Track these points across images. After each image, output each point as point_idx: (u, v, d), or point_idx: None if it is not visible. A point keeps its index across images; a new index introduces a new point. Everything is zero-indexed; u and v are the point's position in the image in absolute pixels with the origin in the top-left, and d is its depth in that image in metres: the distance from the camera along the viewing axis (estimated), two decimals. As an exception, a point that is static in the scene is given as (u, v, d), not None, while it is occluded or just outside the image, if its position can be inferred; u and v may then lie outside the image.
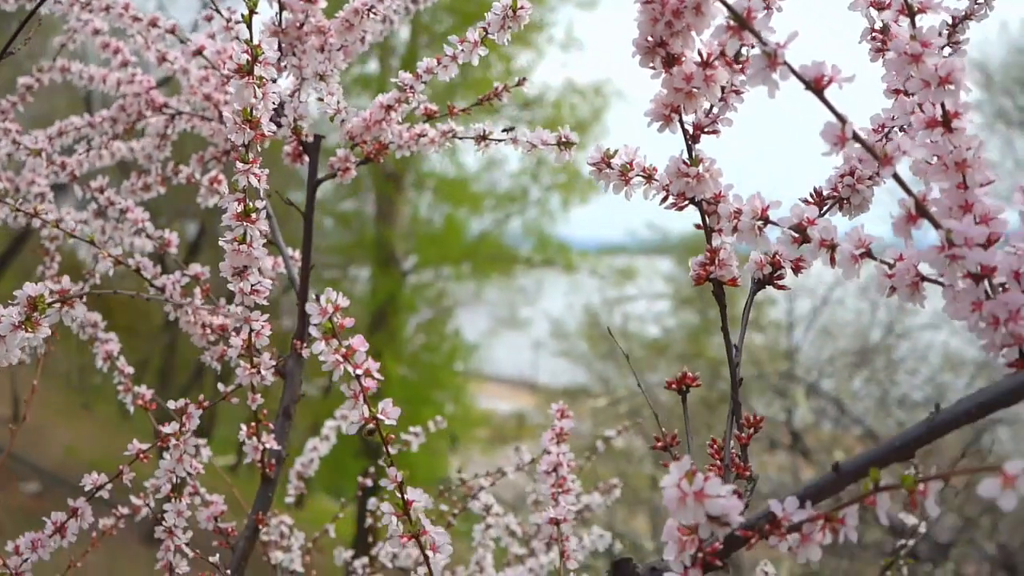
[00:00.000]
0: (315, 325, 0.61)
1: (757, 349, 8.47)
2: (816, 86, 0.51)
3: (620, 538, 1.42)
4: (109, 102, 1.31)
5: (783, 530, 0.52)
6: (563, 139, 0.86)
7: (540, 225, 11.66)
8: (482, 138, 0.96)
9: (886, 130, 0.70)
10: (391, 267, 10.86)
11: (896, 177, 0.52)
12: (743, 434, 0.63)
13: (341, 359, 0.62)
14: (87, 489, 0.92)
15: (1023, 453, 5.70)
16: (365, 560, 1.37)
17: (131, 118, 1.21)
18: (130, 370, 1.11)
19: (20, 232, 7.11)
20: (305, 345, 0.97)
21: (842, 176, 0.69)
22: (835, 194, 0.69)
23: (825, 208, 0.70)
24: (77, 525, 0.92)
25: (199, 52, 1.02)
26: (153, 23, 1.11)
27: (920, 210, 0.52)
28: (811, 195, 0.70)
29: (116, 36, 1.28)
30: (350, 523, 8.60)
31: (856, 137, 0.51)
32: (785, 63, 0.51)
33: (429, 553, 0.65)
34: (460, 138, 0.98)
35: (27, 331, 0.68)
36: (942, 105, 0.54)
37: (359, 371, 0.63)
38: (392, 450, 0.66)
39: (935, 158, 0.55)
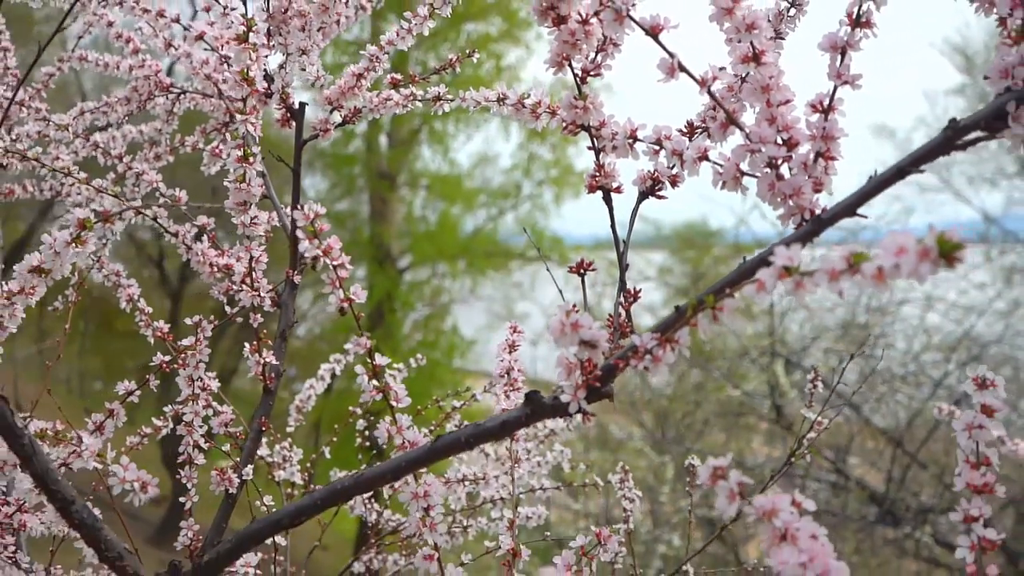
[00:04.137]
0: (300, 227, 0.81)
1: (748, 338, 8.69)
2: (653, 32, 0.72)
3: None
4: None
5: (640, 355, 0.72)
6: (501, 96, 1.06)
7: (533, 220, 11.86)
8: (437, 99, 1.16)
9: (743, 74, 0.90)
10: (387, 265, 11.04)
11: (711, 95, 0.72)
12: (626, 302, 0.83)
13: (322, 253, 0.82)
14: (120, 393, 1.12)
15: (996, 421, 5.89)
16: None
17: (142, 98, 1.41)
18: (149, 309, 1.30)
19: (43, 206, 7.34)
20: (297, 273, 1.17)
21: (707, 110, 0.89)
22: (703, 124, 0.89)
23: (696, 136, 0.90)
24: (113, 424, 1.12)
25: (200, 37, 1.21)
26: (160, 14, 1.31)
27: (730, 120, 0.72)
28: (685, 125, 0.90)
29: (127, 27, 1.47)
30: (352, 520, 8.81)
31: (681, 67, 0.71)
32: (629, 16, 0.71)
33: (393, 403, 0.85)
34: (420, 100, 1.18)
35: (77, 247, 0.88)
36: (751, 44, 0.74)
37: (336, 263, 0.83)
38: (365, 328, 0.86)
39: (748, 84, 0.75)
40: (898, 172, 0.66)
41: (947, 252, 0.48)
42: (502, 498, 1.38)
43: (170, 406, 1.29)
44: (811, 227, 0.68)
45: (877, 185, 0.67)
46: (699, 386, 8.18)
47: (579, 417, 1.44)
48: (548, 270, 1.18)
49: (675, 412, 8.32)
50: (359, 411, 1.62)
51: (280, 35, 1.17)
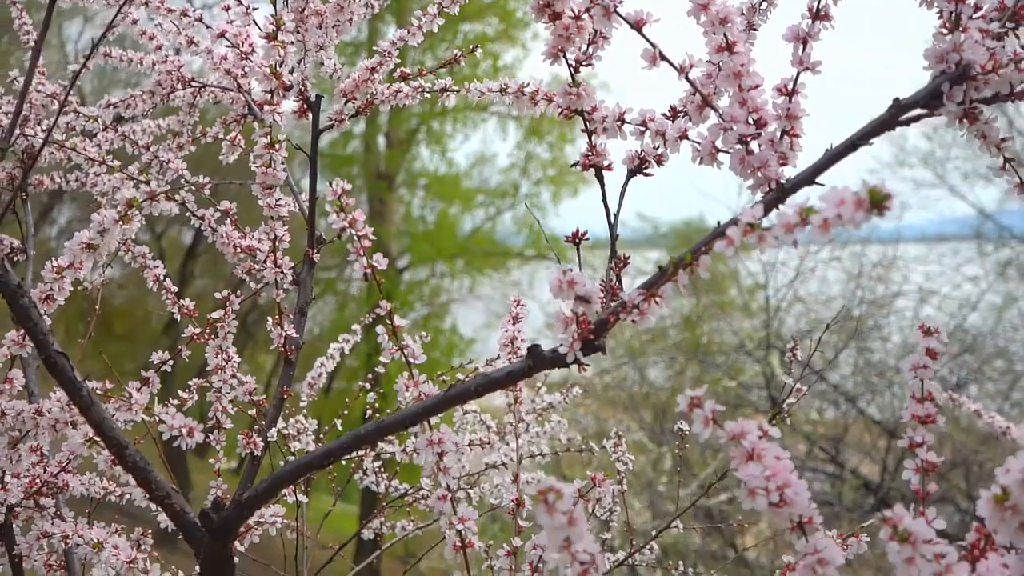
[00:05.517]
0: (329, 201, 0.91)
1: (745, 332, 8.82)
2: (637, 25, 0.82)
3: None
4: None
5: (629, 309, 0.82)
6: (503, 87, 1.16)
7: (531, 219, 11.96)
8: (444, 90, 1.26)
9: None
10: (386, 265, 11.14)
11: (688, 80, 0.82)
12: (616, 267, 0.93)
13: (347, 225, 0.92)
14: (155, 363, 1.21)
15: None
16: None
17: (165, 91, 1.51)
18: (175, 289, 1.40)
19: (43, 208, 7.42)
20: (316, 252, 1.27)
21: (687, 96, 0.99)
22: (683, 108, 0.99)
23: (677, 118, 1.00)
24: (148, 391, 1.21)
25: (222, 35, 1.31)
26: (184, 13, 1.41)
27: (705, 102, 0.82)
28: (668, 109, 1.00)
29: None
30: (353, 523, 8.91)
31: (662, 56, 0.81)
32: (616, 12, 0.81)
33: (411, 360, 0.95)
34: (428, 92, 1.28)
35: (124, 224, 0.98)
36: (725, 36, 0.84)
37: (360, 234, 0.93)
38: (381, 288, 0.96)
39: (721, 71, 0.85)
40: (851, 145, 0.76)
41: (878, 202, 0.58)
42: (503, 464, 1.48)
43: (194, 379, 1.39)
44: (775, 195, 0.78)
45: (832, 157, 0.77)
46: (697, 379, 8.30)
47: (575, 392, 1.54)
48: (554, 253, 1.28)
49: (673, 405, 8.42)
50: (367, 385, 1.72)
51: (299, 32, 1.27)
